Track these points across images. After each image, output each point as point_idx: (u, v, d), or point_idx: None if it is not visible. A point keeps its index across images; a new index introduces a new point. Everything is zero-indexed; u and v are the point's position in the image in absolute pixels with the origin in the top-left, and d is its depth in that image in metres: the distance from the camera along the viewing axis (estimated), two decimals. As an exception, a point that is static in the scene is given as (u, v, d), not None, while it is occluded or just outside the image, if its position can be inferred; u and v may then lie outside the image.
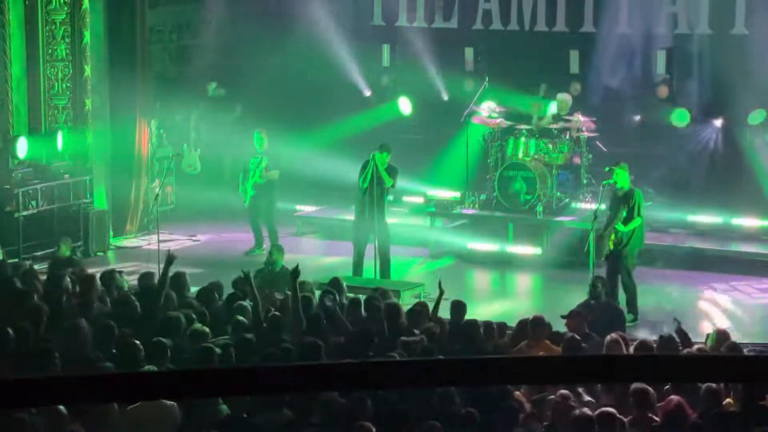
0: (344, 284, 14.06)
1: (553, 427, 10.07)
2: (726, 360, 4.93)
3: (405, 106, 21.47)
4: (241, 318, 12.21)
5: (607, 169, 15.97)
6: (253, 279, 13.03)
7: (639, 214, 15.63)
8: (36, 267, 15.34)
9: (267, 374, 3.99)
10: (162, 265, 13.45)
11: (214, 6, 22.52)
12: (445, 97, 21.34)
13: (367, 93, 21.96)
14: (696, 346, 12.08)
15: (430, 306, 13.45)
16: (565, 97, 19.81)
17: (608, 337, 11.78)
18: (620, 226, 15.47)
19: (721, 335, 12.05)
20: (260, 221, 19.03)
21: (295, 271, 12.63)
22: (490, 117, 19.75)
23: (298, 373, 4.05)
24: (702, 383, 9.98)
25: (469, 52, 21.60)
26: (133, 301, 12.67)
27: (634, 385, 10.07)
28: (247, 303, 12.64)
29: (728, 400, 10.51)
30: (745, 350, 12.08)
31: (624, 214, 15.50)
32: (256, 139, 18.94)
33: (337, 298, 13.14)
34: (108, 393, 3.97)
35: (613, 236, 15.50)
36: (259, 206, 18.93)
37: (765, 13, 19.38)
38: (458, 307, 13.00)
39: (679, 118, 19.76)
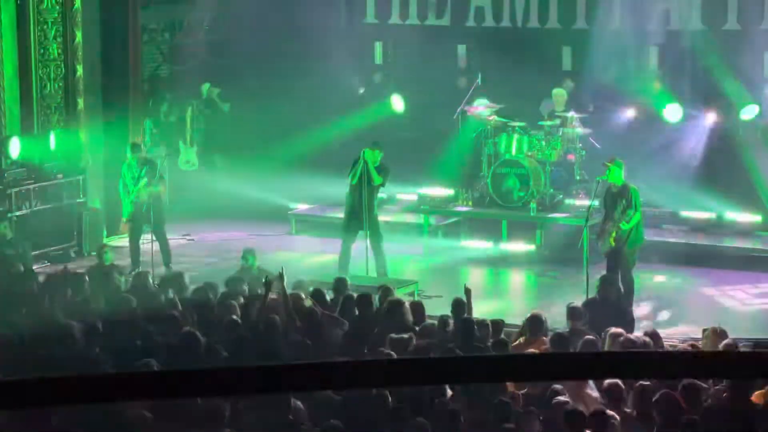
0: (348, 283, 14.20)
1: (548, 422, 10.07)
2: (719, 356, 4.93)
3: (398, 103, 21.41)
4: (234, 317, 12.30)
5: (603, 164, 15.90)
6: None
7: (637, 210, 15.58)
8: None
9: (260, 373, 3.98)
10: (162, 267, 13.55)
11: (207, 5, 22.46)
12: (438, 95, 21.26)
13: (360, 91, 21.87)
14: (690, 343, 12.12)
15: (425, 303, 13.61)
16: (560, 92, 19.78)
17: (609, 332, 11.83)
18: (623, 224, 15.37)
19: (718, 333, 12.02)
20: (141, 241, 17.72)
21: (281, 276, 12.89)
22: (484, 113, 19.74)
23: (293, 372, 4.04)
24: (690, 379, 9.98)
25: (461, 50, 21.59)
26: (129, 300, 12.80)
27: (608, 381, 10.12)
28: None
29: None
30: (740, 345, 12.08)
31: (620, 210, 15.43)
32: (131, 148, 17.94)
33: (327, 297, 13.28)
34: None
35: (613, 233, 15.43)
36: (140, 224, 17.67)
37: (757, 8, 19.41)
38: (458, 305, 13.04)
39: (672, 113, 19.72)
